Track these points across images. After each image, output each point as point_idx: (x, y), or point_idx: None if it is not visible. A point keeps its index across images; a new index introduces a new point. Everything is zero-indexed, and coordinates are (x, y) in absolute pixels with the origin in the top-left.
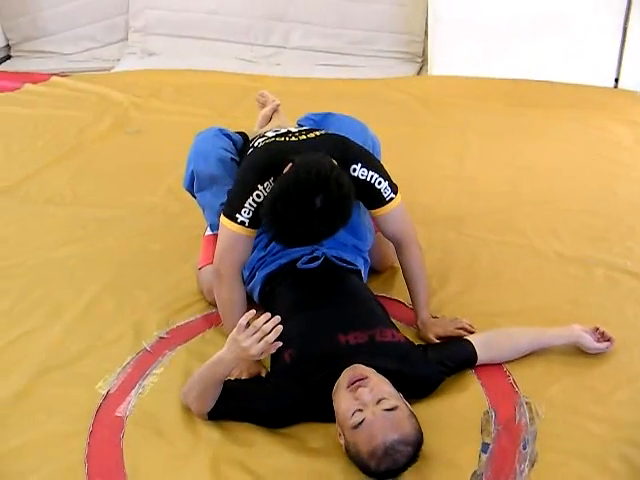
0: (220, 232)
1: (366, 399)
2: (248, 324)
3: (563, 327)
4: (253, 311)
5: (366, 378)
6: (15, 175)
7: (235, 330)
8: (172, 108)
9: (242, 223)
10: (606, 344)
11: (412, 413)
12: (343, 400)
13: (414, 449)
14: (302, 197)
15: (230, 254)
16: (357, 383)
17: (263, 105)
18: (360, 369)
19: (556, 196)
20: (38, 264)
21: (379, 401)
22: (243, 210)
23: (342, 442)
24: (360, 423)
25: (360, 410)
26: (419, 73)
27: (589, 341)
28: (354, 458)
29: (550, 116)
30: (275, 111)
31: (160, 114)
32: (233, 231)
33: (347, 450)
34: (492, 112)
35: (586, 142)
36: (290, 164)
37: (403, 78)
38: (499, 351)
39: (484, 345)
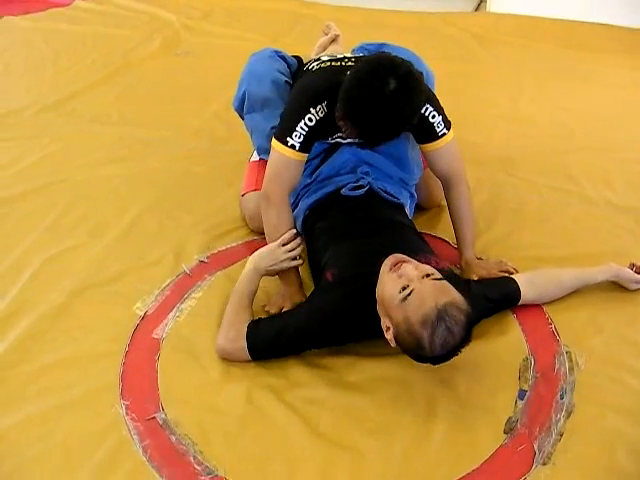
0: (270, 155)
1: (412, 274)
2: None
3: (601, 265)
4: (293, 230)
5: (408, 261)
6: (62, 92)
7: (275, 243)
8: (223, 32)
9: (292, 147)
10: None
11: None
12: (388, 282)
13: (467, 319)
14: (376, 79)
15: (279, 178)
16: (399, 264)
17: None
18: (400, 256)
19: (611, 144)
20: (82, 182)
21: (425, 276)
22: (294, 134)
23: (390, 336)
24: (409, 294)
25: (407, 286)
26: (477, 9)
27: (630, 273)
28: (406, 340)
29: (609, 61)
30: (333, 41)
31: (210, 37)
32: (283, 154)
33: (398, 337)
34: (549, 53)
35: None
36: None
37: (460, 14)
38: (543, 288)
39: (528, 283)
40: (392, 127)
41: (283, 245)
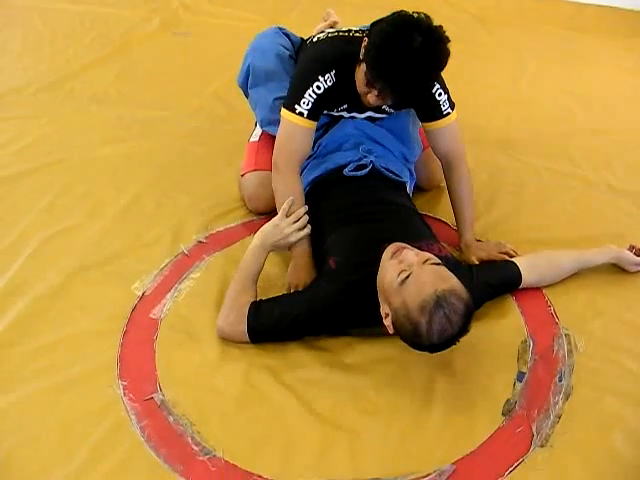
0: (280, 124)
1: (412, 259)
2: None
3: (601, 247)
4: (291, 198)
5: (409, 248)
6: (60, 72)
7: (278, 217)
8: (222, 11)
9: (300, 114)
10: None
11: None
12: (388, 268)
13: (466, 309)
14: (403, 35)
15: (287, 146)
16: (400, 251)
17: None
18: (401, 244)
19: (613, 127)
20: (80, 162)
21: (425, 261)
22: (302, 101)
23: (389, 322)
24: (407, 277)
25: (406, 270)
26: None
27: (630, 255)
28: (404, 326)
29: (613, 44)
30: (332, 27)
31: (210, 17)
32: (291, 122)
33: (396, 323)
34: (551, 35)
35: None
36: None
37: None
38: (544, 271)
39: (529, 266)
40: (425, 80)
41: (287, 217)
